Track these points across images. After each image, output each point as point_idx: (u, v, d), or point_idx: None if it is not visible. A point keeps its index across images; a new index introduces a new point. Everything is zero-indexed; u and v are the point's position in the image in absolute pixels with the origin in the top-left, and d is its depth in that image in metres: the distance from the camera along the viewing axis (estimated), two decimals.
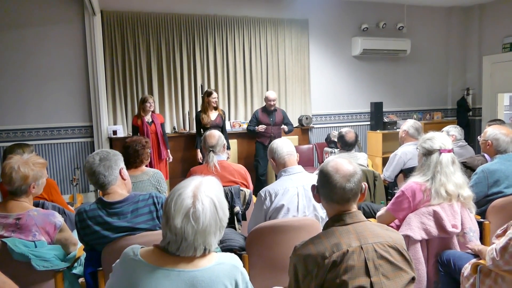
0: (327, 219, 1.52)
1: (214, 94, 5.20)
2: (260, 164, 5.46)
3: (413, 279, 1.42)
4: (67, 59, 5.36)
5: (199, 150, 5.23)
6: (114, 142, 5.39)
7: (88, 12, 5.20)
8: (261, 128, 5.37)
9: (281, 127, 5.50)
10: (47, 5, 5.23)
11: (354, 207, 1.48)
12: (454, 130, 4.06)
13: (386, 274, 1.36)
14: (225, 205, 1.24)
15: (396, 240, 1.43)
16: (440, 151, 2.30)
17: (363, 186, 1.50)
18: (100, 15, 5.39)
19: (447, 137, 2.43)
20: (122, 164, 2.11)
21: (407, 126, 3.70)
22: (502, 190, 2.64)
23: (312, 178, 2.37)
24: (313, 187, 1.58)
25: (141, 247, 1.24)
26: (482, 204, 2.65)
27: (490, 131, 2.85)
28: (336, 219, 1.45)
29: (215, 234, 1.20)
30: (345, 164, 1.49)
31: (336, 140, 3.91)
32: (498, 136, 2.79)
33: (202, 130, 5.13)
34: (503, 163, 2.71)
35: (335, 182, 1.45)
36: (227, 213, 1.24)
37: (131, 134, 5.27)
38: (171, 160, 5.23)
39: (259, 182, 5.40)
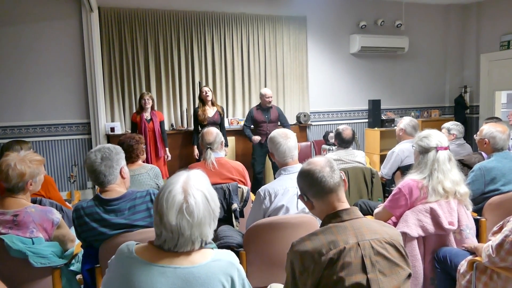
0: None
1: (204, 88, 5.22)
2: (257, 162, 5.45)
3: (409, 275, 1.43)
4: (64, 56, 5.34)
5: (195, 147, 5.22)
6: (111, 139, 5.37)
7: (86, 9, 5.18)
8: (255, 140, 5.34)
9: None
10: (44, 2, 5.20)
11: (345, 199, 1.50)
12: (455, 129, 4.01)
13: (383, 271, 1.37)
14: (215, 195, 1.26)
15: (392, 236, 1.44)
16: (437, 149, 2.30)
17: (341, 175, 1.54)
18: (98, 12, 5.37)
19: (443, 135, 2.43)
20: (123, 163, 2.10)
21: (404, 124, 3.71)
22: (499, 187, 2.65)
23: None
24: (300, 196, 1.58)
25: (136, 244, 1.24)
26: (479, 201, 2.67)
27: (487, 129, 2.85)
28: (333, 216, 1.46)
29: (210, 225, 1.22)
30: (317, 159, 1.54)
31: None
32: (494, 134, 2.79)
33: (199, 126, 5.12)
34: (499, 161, 2.72)
35: (321, 174, 1.48)
36: (218, 203, 1.26)
37: (130, 130, 5.26)
38: (169, 158, 5.20)
39: (256, 180, 5.38)
